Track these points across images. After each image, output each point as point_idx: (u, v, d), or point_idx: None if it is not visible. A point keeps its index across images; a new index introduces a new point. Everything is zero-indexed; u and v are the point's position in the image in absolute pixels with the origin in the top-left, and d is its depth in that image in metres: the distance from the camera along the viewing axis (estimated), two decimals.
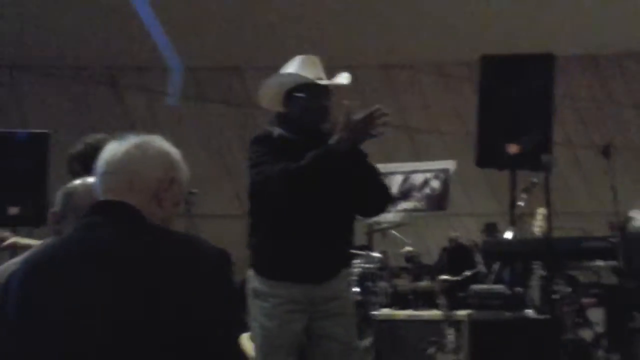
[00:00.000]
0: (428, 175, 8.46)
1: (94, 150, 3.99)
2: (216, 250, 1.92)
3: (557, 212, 5.74)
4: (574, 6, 10.85)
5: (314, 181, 3.42)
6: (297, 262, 3.57)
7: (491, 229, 9.39)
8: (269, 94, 3.69)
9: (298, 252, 3.56)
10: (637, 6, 11.30)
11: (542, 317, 5.18)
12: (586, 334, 7.05)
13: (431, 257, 9.23)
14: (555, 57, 5.59)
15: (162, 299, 1.80)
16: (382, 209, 3.80)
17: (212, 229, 9.94)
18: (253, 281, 3.67)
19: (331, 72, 3.71)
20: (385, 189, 3.77)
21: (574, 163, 12.07)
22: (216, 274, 1.90)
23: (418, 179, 8.43)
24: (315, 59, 3.67)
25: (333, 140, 3.44)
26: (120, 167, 2.01)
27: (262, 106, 3.78)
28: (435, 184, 8.42)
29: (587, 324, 6.48)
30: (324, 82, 3.58)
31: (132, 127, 9.44)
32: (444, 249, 9.21)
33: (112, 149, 2.03)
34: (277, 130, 3.60)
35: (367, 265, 6.44)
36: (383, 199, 3.74)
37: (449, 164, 8.54)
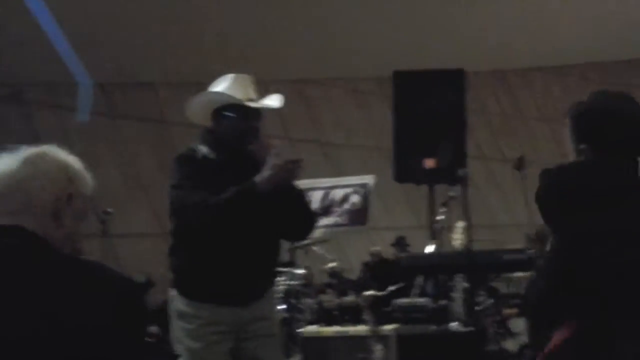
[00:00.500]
0: (348, 190, 8.49)
1: None
2: (118, 276, 1.79)
3: (474, 225, 5.83)
4: (483, 22, 11.11)
5: (232, 215, 3.39)
6: (221, 285, 3.50)
7: (401, 242, 9.49)
8: (197, 110, 3.64)
9: (222, 274, 3.49)
10: (543, 22, 11.66)
11: (466, 329, 5.22)
12: (509, 345, 7.18)
13: (354, 272, 9.24)
14: (466, 73, 5.69)
15: (59, 325, 1.70)
16: (307, 234, 3.79)
17: (130, 249, 9.75)
18: (176, 302, 3.58)
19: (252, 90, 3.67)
20: (310, 213, 3.75)
21: (488, 176, 12.33)
22: (119, 302, 1.76)
23: (338, 194, 8.45)
24: (247, 79, 3.62)
25: (258, 178, 3.42)
26: (10, 187, 1.82)
27: (190, 120, 3.73)
28: (355, 198, 8.45)
29: (510, 334, 6.60)
30: (254, 104, 3.54)
31: (39, 143, 9.17)
32: (366, 264, 9.24)
33: (1, 167, 1.83)
34: (201, 150, 3.54)
35: (291, 282, 6.41)
36: (308, 224, 3.72)
37: (368, 179, 8.59)
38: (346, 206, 8.44)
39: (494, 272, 5.74)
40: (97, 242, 6.93)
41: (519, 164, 5.72)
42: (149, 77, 10.03)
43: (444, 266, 5.49)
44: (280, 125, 10.20)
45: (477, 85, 12.09)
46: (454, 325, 5.72)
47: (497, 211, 11.89)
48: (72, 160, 1.92)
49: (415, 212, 9.60)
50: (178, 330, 3.56)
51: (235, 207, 3.38)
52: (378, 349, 5.12)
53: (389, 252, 9.18)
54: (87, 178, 1.93)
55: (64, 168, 1.88)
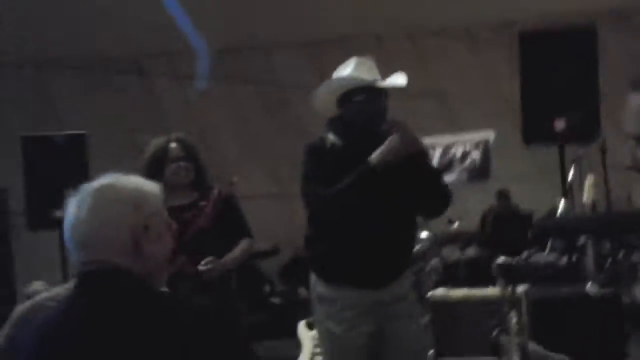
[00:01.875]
0: (468, 146, 8.38)
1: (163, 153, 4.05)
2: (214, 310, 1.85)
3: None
4: None
5: (354, 200, 3.42)
6: (359, 268, 3.54)
7: (503, 196, 9.35)
8: (324, 98, 3.66)
9: (359, 257, 3.53)
10: None
11: (603, 291, 5.10)
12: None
13: (474, 224, 9.16)
14: (597, 29, 5.45)
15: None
16: (442, 211, 3.77)
17: (251, 211, 9.95)
18: (317, 286, 3.65)
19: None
20: (445, 189, 3.73)
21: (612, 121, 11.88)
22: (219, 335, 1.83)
23: (458, 151, 8.35)
24: (370, 62, 3.63)
25: (373, 156, 3.44)
26: (89, 237, 1.86)
27: (317, 111, 3.74)
28: (476, 155, 8.34)
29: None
30: (382, 84, 3.54)
31: (163, 114, 9.42)
32: (485, 216, 9.13)
33: (72, 216, 1.87)
34: (330, 139, 3.58)
35: (417, 247, 6.40)
36: (443, 200, 3.70)
37: (488, 135, 8.45)
38: (467, 163, 8.35)
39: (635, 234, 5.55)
40: None
41: None
42: (263, 42, 10.08)
43: (581, 229, 5.35)
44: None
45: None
46: (589, 286, 5.60)
47: (620, 154, 11.46)
48: (133, 185, 1.93)
49: (539, 165, 9.36)
50: (319, 313, 3.64)
51: (355, 192, 3.41)
52: (511, 315, 5.06)
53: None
54: (154, 194, 1.95)
55: (129, 200, 1.90)
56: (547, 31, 5.71)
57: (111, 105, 9.14)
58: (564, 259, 5.38)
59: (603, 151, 5.25)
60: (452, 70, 10.98)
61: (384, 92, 3.57)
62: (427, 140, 8.25)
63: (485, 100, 10.56)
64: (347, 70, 3.60)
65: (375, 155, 3.43)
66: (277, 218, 9.06)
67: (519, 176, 9.38)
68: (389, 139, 3.42)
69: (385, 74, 3.64)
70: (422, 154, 3.61)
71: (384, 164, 3.42)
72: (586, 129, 5.20)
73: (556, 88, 5.26)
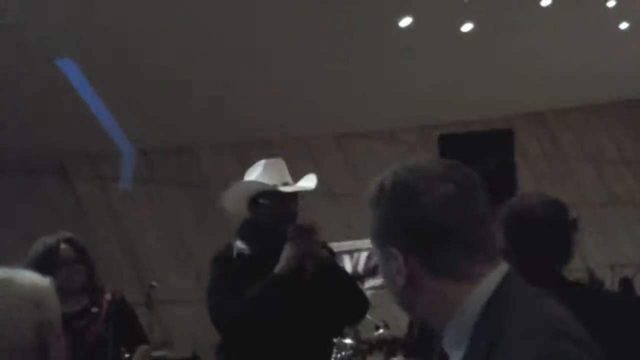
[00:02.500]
0: None
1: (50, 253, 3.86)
2: None
3: None
4: (524, 64, 11.01)
5: (262, 313, 3.36)
6: None
7: None
8: (232, 201, 3.64)
9: None
10: (578, 61, 11.52)
11: None
12: None
13: (402, 330, 9.07)
14: (514, 132, 5.59)
15: None
16: (359, 317, 3.71)
17: (174, 316, 9.72)
18: None
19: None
20: (360, 294, 3.67)
21: None
22: None
23: None
24: (279, 163, 3.63)
25: (277, 267, 3.40)
26: None
27: (229, 210, 3.71)
28: None
29: None
30: (287, 188, 3.52)
31: (85, 216, 9.22)
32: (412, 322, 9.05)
33: None
34: (237, 247, 3.55)
35: (340, 354, 6.30)
36: (359, 307, 3.64)
37: None
38: None
39: None
40: (142, 311, 6.87)
41: (574, 225, 5.58)
42: (190, 142, 10.07)
43: None
44: (320, 181, 10.14)
45: (516, 129, 11.97)
46: None
47: None
48: (29, 280, 1.76)
49: None
50: None
51: (262, 304, 3.34)
52: None
53: None
54: (51, 290, 1.79)
55: (30, 297, 1.73)
56: (466, 134, 5.84)
57: (32, 207, 8.92)
58: None
59: None
60: (378, 171, 11.11)
61: (293, 196, 3.55)
62: (353, 244, 8.27)
63: None
64: (254, 173, 3.60)
65: (278, 266, 3.39)
66: (199, 324, 8.84)
67: None
68: (285, 246, 3.39)
69: (314, 175, 3.64)
70: (330, 260, 3.56)
71: (287, 272, 3.37)
72: None
73: None
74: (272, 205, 3.52)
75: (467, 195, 1.49)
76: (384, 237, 1.48)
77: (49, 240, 4.01)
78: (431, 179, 1.48)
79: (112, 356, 3.97)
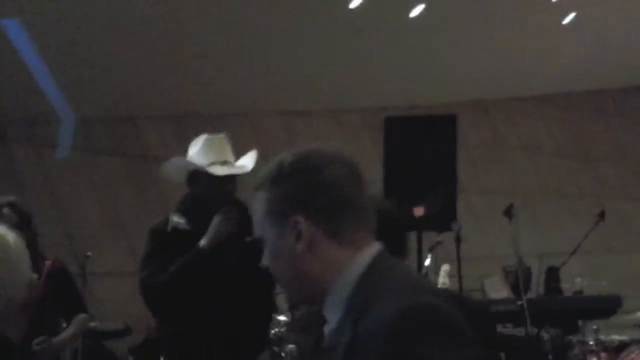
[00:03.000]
0: None
1: None
2: None
3: (452, 258, 5.80)
4: (467, 53, 11.14)
5: (186, 286, 3.39)
6: (207, 353, 3.44)
7: None
8: (171, 175, 3.67)
9: (207, 342, 3.43)
10: (526, 52, 11.71)
11: None
12: None
13: None
14: (456, 118, 5.67)
15: None
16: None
17: (107, 288, 9.61)
18: None
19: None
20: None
21: (467, 209, 12.31)
22: None
23: None
24: (220, 140, 3.65)
25: (202, 239, 3.44)
26: None
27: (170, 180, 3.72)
28: None
29: None
30: (221, 170, 3.54)
31: (20, 182, 9.04)
32: None
33: None
34: (172, 222, 3.56)
35: (273, 330, 6.30)
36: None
37: None
38: None
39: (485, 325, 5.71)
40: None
41: (508, 212, 5.73)
42: (130, 113, 9.93)
43: None
44: (262, 158, 10.12)
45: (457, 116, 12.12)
46: None
47: (475, 244, 11.88)
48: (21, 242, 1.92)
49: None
50: None
51: (185, 277, 3.36)
52: None
53: None
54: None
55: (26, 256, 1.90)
56: (411, 118, 5.91)
57: None
58: None
59: (458, 240, 5.41)
60: None
61: (229, 176, 3.56)
62: None
63: None
64: (194, 148, 3.61)
65: (203, 239, 3.42)
66: (132, 296, 8.76)
67: None
68: (214, 220, 3.43)
69: (255, 152, 3.64)
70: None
71: (211, 245, 3.40)
72: (443, 217, 5.34)
73: (417, 175, 5.39)
74: (206, 185, 3.56)
75: (355, 176, 1.70)
76: (284, 211, 1.64)
77: None
78: (327, 158, 1.68)
79: (50, 324, 3.93)
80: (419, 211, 5.32)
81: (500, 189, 12.33)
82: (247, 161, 3.63)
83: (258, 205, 1.67)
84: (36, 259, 4.01)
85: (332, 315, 1.63)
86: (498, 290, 10.70)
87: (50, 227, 8.97)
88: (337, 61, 10.12)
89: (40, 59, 8.25)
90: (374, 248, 1.67)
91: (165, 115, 10.18)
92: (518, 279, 9.61)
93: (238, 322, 3.45)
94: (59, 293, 4.04)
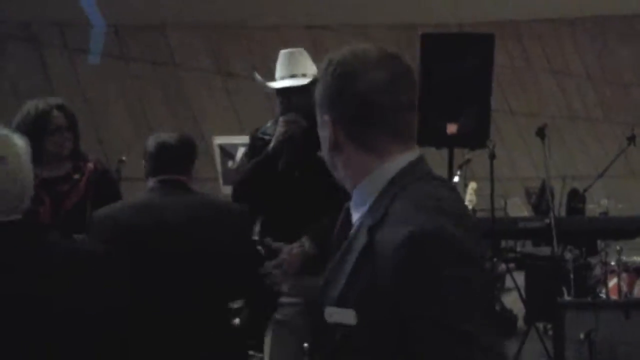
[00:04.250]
0: None
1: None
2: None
3: (478, 177, 5.90)
4: None
5: (258, 185, 3.66)
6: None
7: None
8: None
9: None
10: None
11: None
12: (507, 300, 7.29)
13: None
14: (494, 38, 5.63)
15: None
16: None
17: (136, 193, 9.78)
18: None
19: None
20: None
21: (494, 129, 12.32)
22: None
23: None
24: (298, 54, 3.75)
25: (269, 147, 3.68)
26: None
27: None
28: None
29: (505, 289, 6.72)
30: (274, 84, 3.68)
31: (52, 85, 9.12)
32: None
33: None
34: (263, 128, 3.81)
35: None
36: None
37: None
38: None
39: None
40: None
41: (541, 132, 5.76)
42: (159, 20, 9.92)
43: None
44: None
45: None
46: None
47: (500, 164, 11.92)
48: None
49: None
50: None
51: (256, 177, 3.62)
52: None
53: None
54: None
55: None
56: (447, 34, 5.86)
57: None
58: None
59: (491, 157, 5.46)
60: None
61: (298, 90, 3.65)
62: None
63: None
64: (277, 66, 3.76)
65: (270, 144, 3.66)
66: None
67: None
68: (277, 128, 3.65)
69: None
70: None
71: (271, 149, 3.63)
72: (477, 135, 5.37)
73: (452, 92, 5.40)
74: (281, 100, 3.74)
75: (397, 83, 1.66)
76: (322, 106, 1.70)
77: (41, 105, 3.96)
78: (369, 64, 1.66)
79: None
80: (452, 128, 5.35)
81: (527, 111, 12.32)
82: (304, 76, 3.72)
83: (314, 94, 1.73)
84: (79, 159, 4.11)
85: (357, 210, 1.69)
86: (519, 210, 10.86)
87: (82, 132, 9.09)
88: None
89: None
90: (407, 158, 1.66)
91: (194, 25, 10.17)
92: (540, 200, 9.76)
93: (299, 218, 3.59)
94: (101, 194, 4.11)
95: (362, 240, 1.60)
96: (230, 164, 7.32)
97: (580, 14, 13.61)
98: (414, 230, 1.52)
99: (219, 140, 7.97)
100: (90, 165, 4.11)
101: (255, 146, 3.80)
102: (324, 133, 1.70)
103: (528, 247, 8.21)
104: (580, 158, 12.51)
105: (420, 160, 1.69)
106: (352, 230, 1.68)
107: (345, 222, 1.75)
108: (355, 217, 1.69)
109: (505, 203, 9.82)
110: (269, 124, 3.85)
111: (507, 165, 11.56)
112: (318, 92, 1.71)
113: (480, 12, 11.81)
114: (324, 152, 1.72)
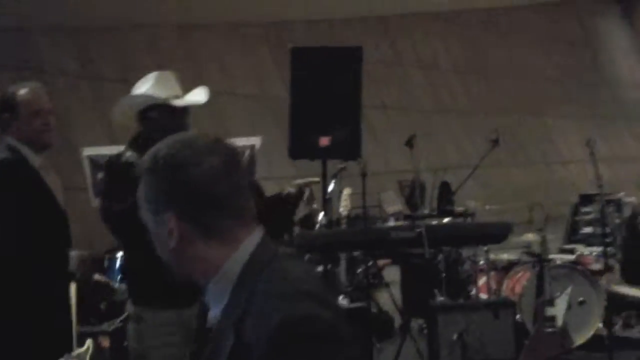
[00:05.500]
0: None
1: None
2: None
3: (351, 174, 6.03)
4: None
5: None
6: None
7: None
8: (121, 114, 3.65)
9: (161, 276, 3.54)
10: None
11: (352, 306, 5.45)
12: (382, 297, 7.48)
13: None
14: (362, 49, 5.71)
15: None
16: None
17: None
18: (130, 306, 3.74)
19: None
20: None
21: (364, 123, 12.52)
22: None
23: None
24: (170, 75, 3.64)
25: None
26: None
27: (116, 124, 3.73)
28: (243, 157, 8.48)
29: (384, 284, 6.93)
30: (178, 102, 3.55)
31: None
32: None
33: None
34: (126, 155, 3.59)
35: None
36: None
37: (255, 141, 8.62)
38: None
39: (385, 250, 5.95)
40: None
41: (410, 143, 5.91)
42: (28, 24, 9.55)
43: (336, 244, 5.68)
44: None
45: (357, 32, 12.18)
46: (340, 299, 5.97)
47: (372, 159, 12.14)
48: None
49: (297, 164, 9.71)
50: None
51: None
52: None
53: None
54: None
55: None
56: (317, 48, 5.92)
57: None
58: (319, 269, 5.65)
59: (363, 175, 5.57)
60: (219, 64, 11.03)
61: (182, 110, 3.58)
62: None
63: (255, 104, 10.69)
64: (145, 86, 3.59)
65: None
66: None
67: (283, 183, 9.63)
68: None
69: (206, 88, 3.66)
70: None
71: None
72: (349, 146, 5.44)
73: (323, 105, 5.45)
74: (161, 119, 3.55)
75: (231, 167, 1.65)
76: (158, 203, 1.65)
77: None
78: (200, 152, 1.64)
79: None
80: (324, 141, 5.41)
81: (397, 105, 12.58)
82: (200, 94, 3.65)
83: (140, 187, 1.67)
84: None
85: (215, 305, 1.65)
86: (393, 203, 11.10)
87: None
88: None
89: None
90: (253, 241, 1.65)
91: (62, 27, 9.83)
92: (412, 193, 9.99)
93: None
94: None
95: (229, 339, 1.58)
96: (100, 175, 7.15)
97: (448, 8, 14.00)
98: (284, 317, 1.51)
99: (88, 152, 7.74)
100: None
101: (122, 175, 3.57)
102: (162, 231, 1.64)
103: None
104: (450, 149, 12.90)
105: (265, 239, 1.68)
106: (215, 328, 1.65)
107: (203, 317, 1.73)
108: (215, 311, 1.66)
109: (379, 197, 10.03)
110: (128, 153, 3.63)
111: (379, 160, 11.79)
112: (146, 191, 1.66)
113: (349, 8, 11.96)
114: (163, 252, 1.67)
